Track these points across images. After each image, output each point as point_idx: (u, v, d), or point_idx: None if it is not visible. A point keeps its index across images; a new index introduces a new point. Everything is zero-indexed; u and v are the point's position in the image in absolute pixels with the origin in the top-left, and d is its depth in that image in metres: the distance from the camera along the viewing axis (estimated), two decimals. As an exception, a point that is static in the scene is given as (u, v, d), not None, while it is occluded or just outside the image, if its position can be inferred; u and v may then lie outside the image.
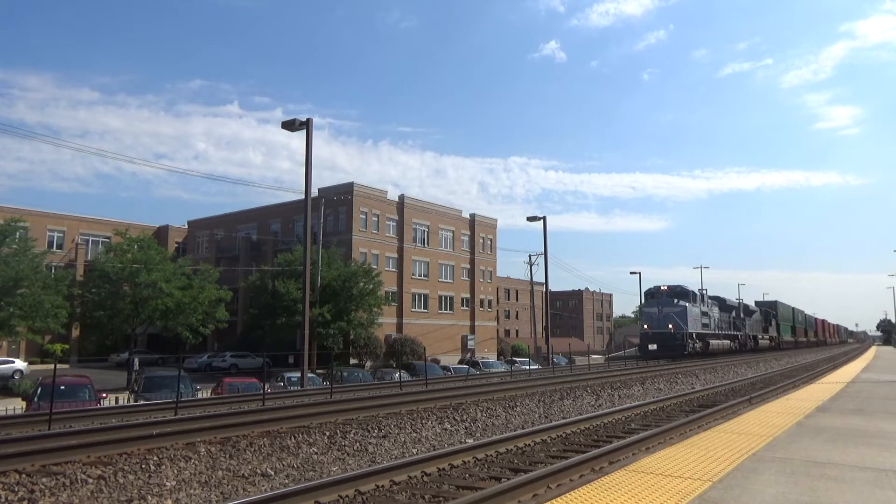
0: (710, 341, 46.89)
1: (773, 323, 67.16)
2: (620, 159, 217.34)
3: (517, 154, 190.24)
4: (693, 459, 7.23)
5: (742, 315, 57.85)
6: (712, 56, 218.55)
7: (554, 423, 14.13)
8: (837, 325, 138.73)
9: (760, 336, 61.99)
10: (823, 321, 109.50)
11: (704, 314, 46.49)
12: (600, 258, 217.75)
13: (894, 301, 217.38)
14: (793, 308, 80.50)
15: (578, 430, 13.43)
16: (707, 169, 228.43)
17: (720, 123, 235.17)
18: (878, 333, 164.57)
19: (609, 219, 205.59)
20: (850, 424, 10.36)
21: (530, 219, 46.92)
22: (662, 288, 44.81)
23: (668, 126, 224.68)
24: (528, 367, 43.53)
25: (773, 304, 71.44)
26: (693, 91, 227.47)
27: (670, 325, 41.79)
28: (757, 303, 69.88)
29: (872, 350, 73.96)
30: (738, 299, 62.81)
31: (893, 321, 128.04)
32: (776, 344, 66.86)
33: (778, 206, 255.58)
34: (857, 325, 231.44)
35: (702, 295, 47.50)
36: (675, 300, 43.10)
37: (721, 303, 52.90)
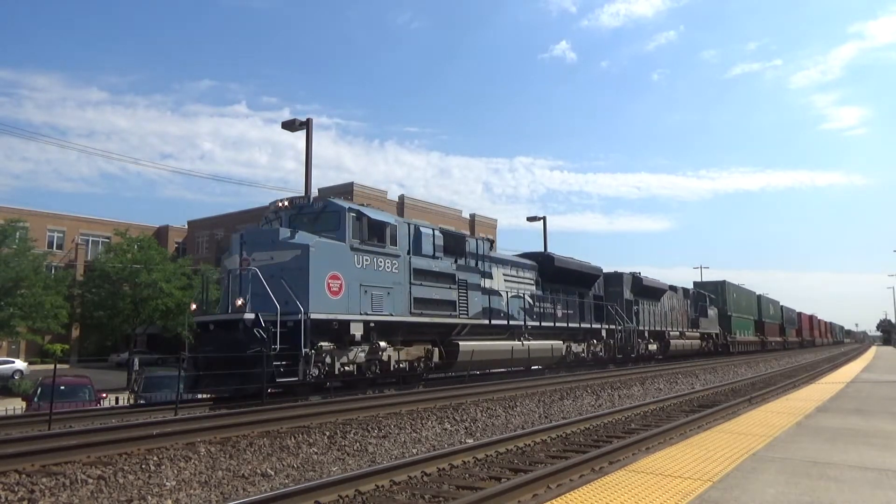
0: (462, 343, 18.51)
1: (710, 314, 42.69)
2: (626, 159, 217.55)
3: (523, 154, 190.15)
4: (693, 459, 7.24)
5: (630, 295, 30.19)
6: (722, 56, 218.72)
7: (554, 423, 14.12)
8: (830, 323, 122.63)
9: (679, 331, 36.49)
10: (811, 317, 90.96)
11: (443, 278, 17.84)
12: (603, 258, 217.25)
13: (894, 301, 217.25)
14: (759, 296, 58.16)
15: (578, 430, 13.41)
16: (712, 169, 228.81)
17: (727, 124, 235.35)
18: (878, 333, 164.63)
19: (613, 219, 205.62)
20: (850, 424, 10.36)
21: (530, 219, 46.81)
22: (281, 203, 15.42)
23: (676, 126, 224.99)
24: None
25: (720, 286, 47.64)
26: (702, 91, 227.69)
27: (239, 302, 13.19)
28: (696, 284, 48.48)
29: (872, 350, 73.80)
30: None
31: (893, 321, 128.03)
32: (716, 346, 42.93)
33: (782, 207, 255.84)
34: (857, 325, 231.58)
35: (436, 234, 17.65)
36: (313, 220, 14.74)
37: (543, 263, 23.81)
